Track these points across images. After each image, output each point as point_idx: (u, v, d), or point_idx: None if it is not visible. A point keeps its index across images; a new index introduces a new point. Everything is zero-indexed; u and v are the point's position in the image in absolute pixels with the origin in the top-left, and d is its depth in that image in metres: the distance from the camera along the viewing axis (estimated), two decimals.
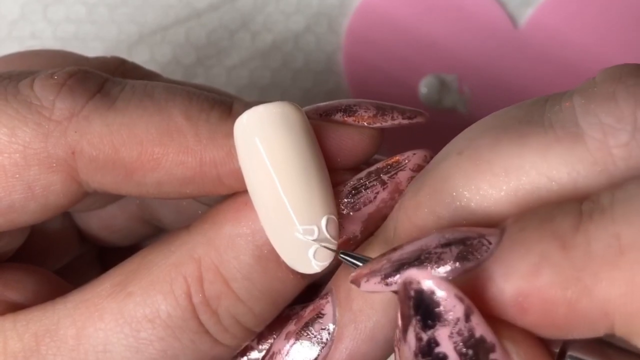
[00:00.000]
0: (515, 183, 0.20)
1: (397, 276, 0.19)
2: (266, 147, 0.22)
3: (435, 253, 0.19)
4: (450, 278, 0.18)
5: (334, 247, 0.22)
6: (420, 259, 0.19)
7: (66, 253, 0.31)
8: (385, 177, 0.23)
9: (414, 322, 0.18)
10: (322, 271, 0.24)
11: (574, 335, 0.18)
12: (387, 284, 0.19)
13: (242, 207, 0.23)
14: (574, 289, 0.17)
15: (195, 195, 0.24)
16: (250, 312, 0.24)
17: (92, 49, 0.40)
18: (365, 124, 0.24)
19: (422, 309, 0.17)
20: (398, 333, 0.18)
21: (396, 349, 0.19)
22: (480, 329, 0.17)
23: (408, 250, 0.20)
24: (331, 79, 0.42)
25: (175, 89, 0.23)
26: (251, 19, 0.41)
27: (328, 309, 0.23)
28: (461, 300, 0.17)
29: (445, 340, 0.17)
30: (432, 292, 0.17)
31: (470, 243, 0.18)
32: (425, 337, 0.17)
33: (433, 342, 0.17)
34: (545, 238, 0.18)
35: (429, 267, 0.18)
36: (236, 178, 0.23)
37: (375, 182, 0.23)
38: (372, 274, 0.20)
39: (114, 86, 0.23)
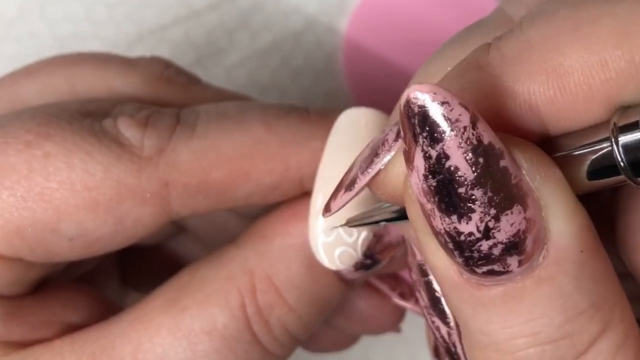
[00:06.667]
0: None
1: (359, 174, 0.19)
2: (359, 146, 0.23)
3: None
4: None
5: (357, 257, 0.24)
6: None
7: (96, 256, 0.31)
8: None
9: (420, 140, 0.17)
10: (360, 279, 0.26)
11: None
12: (351, 189, 0.20)
13: (292, 219, 0.25)
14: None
15: (277, 200, 0.25)
16: (300, 320, 0.25)
17: (90, 49, 0.39)
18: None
19: (429, 123, 0.17)
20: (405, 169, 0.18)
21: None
22: (488, 135, 0.17)
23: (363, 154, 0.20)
24: (331, 79, 0.42)
25: (246, 105, 0.25)
26: (250, 19, 0.41)
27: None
28: (466, 108, 0.17)
29: (455, 150, 0.17)
30: (436, 103, 0.17)
31: None
32: (434, 152, 0.17)
33: (443, 157, 0.17)
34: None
35: (425, 85, 0.17)
36: (313, 180, 0.24)
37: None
38: (336, 193, 0.21)
39: (190, 115, 0.24)
